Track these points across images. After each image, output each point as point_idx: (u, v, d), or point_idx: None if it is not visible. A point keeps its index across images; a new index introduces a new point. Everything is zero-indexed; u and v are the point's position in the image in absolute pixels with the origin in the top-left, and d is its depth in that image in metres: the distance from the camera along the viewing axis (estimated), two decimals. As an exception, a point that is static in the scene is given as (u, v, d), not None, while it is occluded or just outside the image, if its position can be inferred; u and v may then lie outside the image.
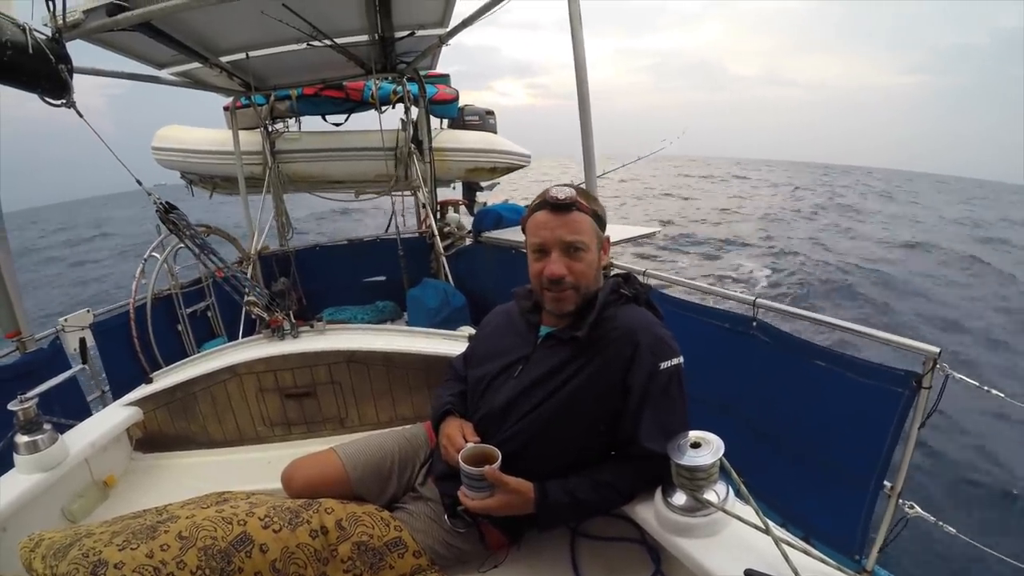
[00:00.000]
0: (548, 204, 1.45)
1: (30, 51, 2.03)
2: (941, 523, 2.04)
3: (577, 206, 1.44)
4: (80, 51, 2.55)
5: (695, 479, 1.24)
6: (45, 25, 2.31)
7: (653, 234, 4.93)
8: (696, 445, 1.27)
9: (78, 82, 2.32)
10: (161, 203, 2.39)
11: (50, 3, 2.23)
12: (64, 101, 2.24)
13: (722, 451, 1.24)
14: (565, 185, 1.48)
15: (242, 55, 4.00)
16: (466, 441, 1.46)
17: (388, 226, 5.80)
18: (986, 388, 1.99)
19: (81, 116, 2.29)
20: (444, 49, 4.28)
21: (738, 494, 1.28)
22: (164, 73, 4.06)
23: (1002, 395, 2.02)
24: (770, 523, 1.17)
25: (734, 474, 1.26)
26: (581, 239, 1.44)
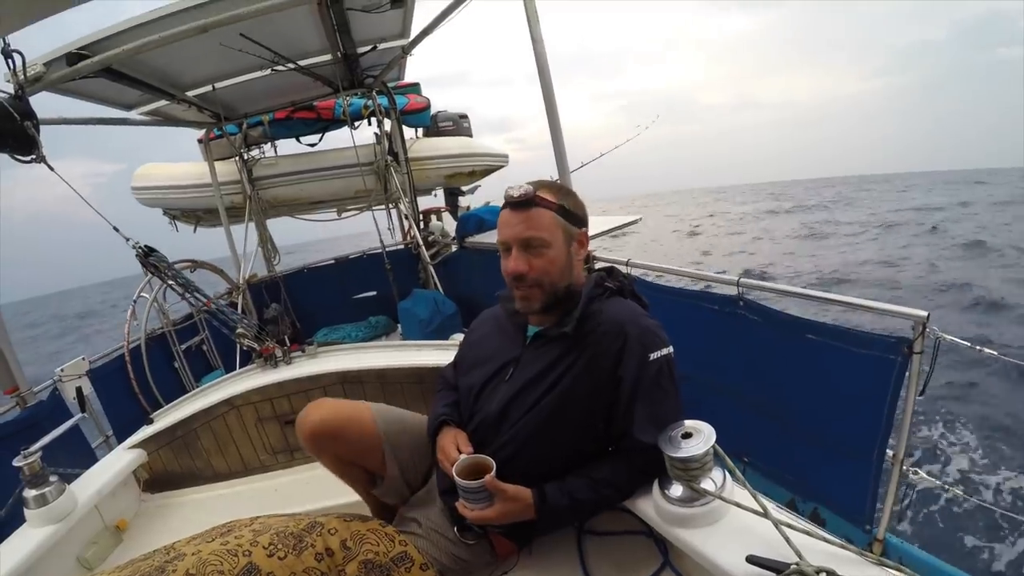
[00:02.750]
0: (507, 202, 1.46)
1: None
2: (947, 486, 2.06)
3: (537, 202, 1.43)
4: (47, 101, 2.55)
5: (689, 470, 1.24)
6: (7, 81, 2.30)
7: (634, 222, 4.91)
8: (687, 435, 1.27)
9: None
10: (140, 247, 2.39)
11: (9, 60, 2.22)
12: (33, 156, 2.24)
13: (713, 439, 1.24)
14: (533, 181, 1.48)
15: (208, 87, 4.00)
16: (459, 452, 1.46)
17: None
18: (978, 347, 1.99)
19: (52, 169, 2.29)
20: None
21: (735, 479, 1.28)
22: (133, 114, 4.05)
23: (994, 353, 2.03)
24: (769, 506, 1.17)
25: (728, 460, 1.27)
26: (539, 235, 1.43)
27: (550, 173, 3.00)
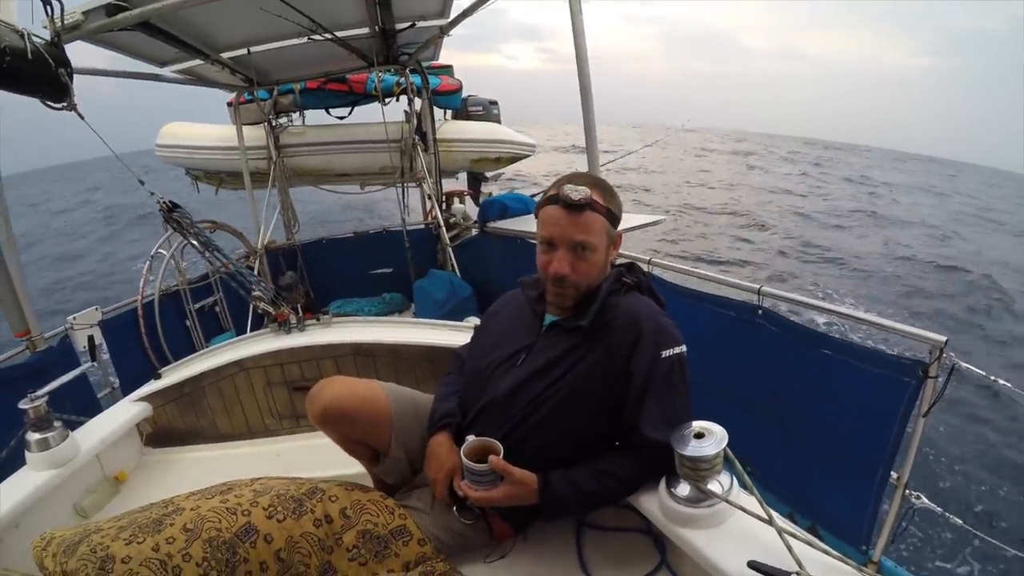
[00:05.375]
0: (561, 201, 1.42)
1: (29, 56, 2.02)
2: (948, 514, 2.04)
3: (592, 206, 1.41)
4: (80, 48, 2.54)
5: (698, 469, 1.24)
6: (44, 28, 2.30)
7: (657, 222, 4.89)
8: (700, 435, 1.27)
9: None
10: (164, 202, 2.40)
11: (48, 7, 2.22)
12: (65, 104, 2.24)
13: (725, 441, 1.24)
14: (583, 181, 1.44)
15: (243, 51, 3.99)
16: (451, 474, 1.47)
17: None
18: (992, 378, 1.97)
19: (82, 118, 2.29)
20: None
21: (742, 484, 1.28)
22: (166, 71, 4.04)
23: (1008, 384, 2.01)
24: (774, 514, 1.17)
25: (738, 464, 1.26)
26: (590, 240, 1.42)
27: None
